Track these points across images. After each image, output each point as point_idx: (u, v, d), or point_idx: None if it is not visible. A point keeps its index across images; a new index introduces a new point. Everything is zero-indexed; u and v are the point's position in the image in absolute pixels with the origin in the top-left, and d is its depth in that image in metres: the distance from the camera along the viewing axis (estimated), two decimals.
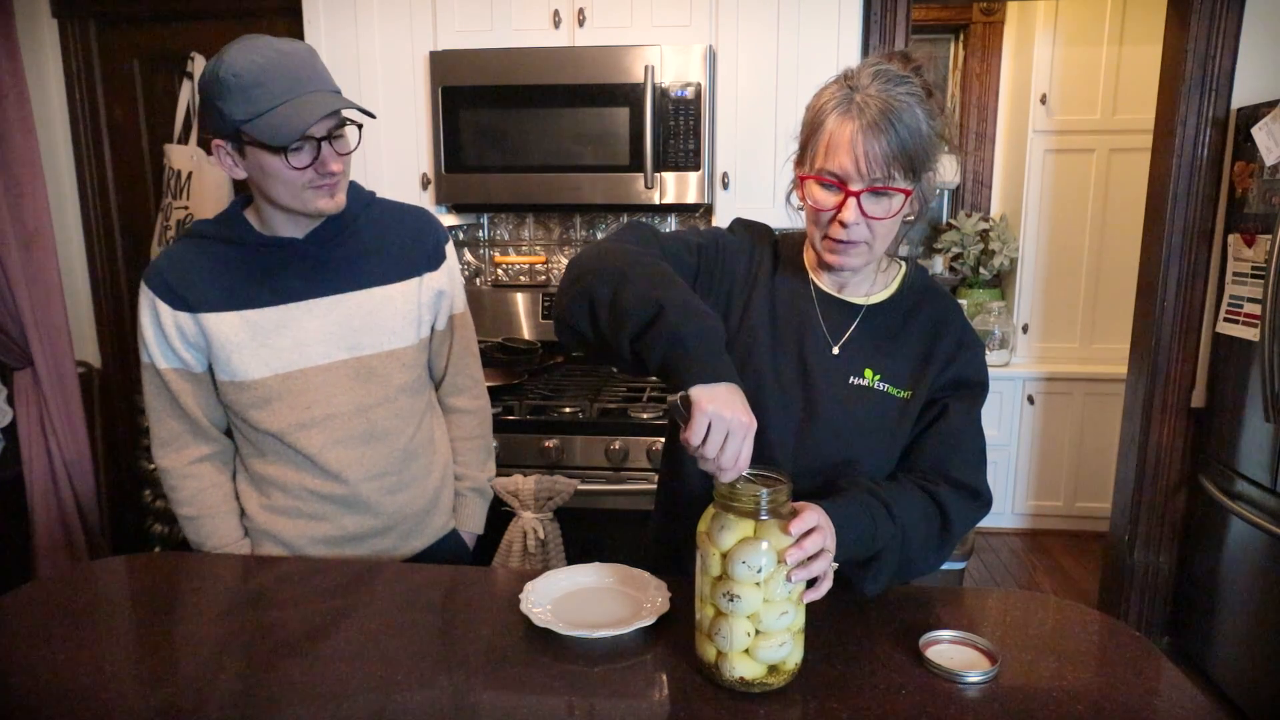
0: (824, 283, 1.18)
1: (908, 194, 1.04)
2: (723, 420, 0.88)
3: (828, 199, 1.05)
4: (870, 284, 1.18)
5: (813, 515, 0.94)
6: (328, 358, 1.35)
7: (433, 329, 1.49)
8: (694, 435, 0.88)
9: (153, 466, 2.97)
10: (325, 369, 1.35)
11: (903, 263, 1.22)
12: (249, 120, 1.19)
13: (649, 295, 0.95)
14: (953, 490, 1.10)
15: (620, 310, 0.96)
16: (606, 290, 0.99)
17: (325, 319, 1.34)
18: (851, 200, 1.03)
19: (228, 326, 1.30)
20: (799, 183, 1.10)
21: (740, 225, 1.25)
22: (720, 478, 0.92)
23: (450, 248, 1.49)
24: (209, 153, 2.73)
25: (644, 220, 1.17)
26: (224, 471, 1.42)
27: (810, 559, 0.91)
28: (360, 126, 1.30)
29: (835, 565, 0.96)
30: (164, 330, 1.31)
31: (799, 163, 1.10)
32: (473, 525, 1.61)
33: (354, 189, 1.39)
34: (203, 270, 1.31)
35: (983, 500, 1.13)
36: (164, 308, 1.30)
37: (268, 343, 1.32)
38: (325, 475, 1.37)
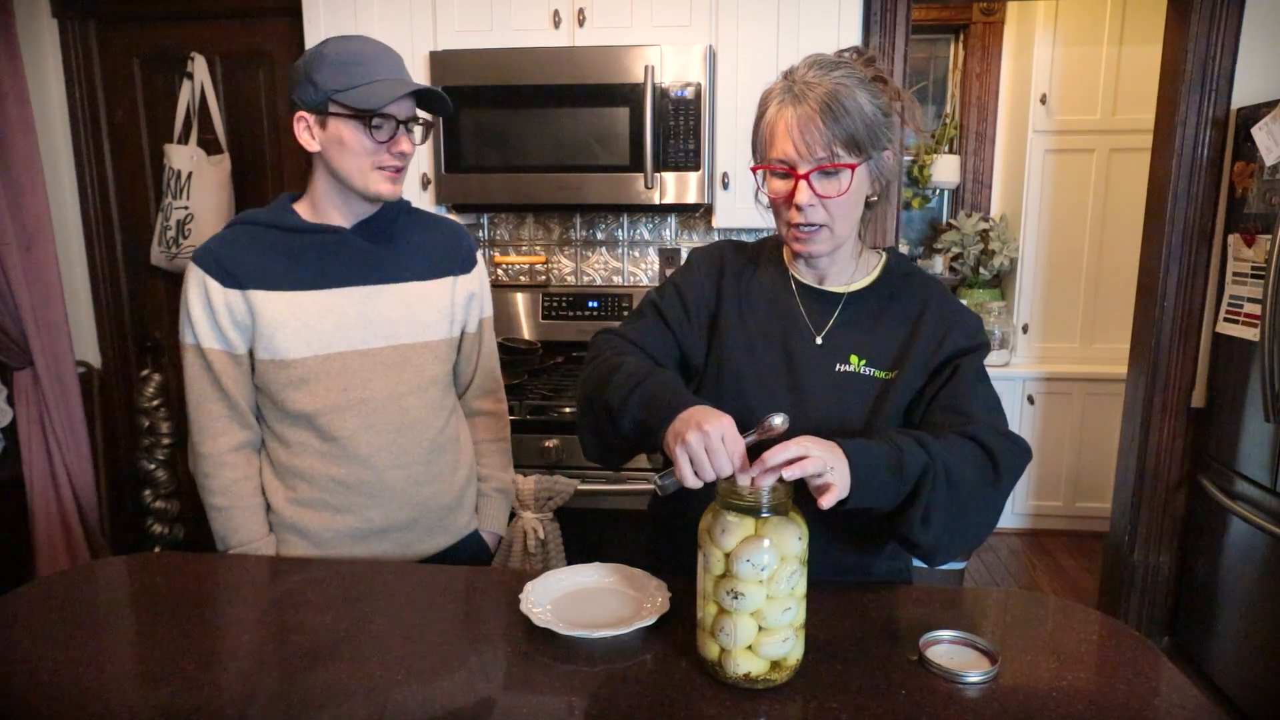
0: (804, 275, 1.21)
1: (853, 168, 1.06)
2: (687, 447, 0.92)
3: (782, 186, 1.09)
4: (850, 273, 1.20)
5: (791, 443, 0.93)
6: (366, 344, 1.39)
7: (464, 331, 1.54)
8: (686, 478, 0.93)
9: (153, 466, 2.98)
10: (363, 354, 1.38)
11: (883, 252, 1.23)
12: (343, 90, 1.27)
13: (623, 388, 1.07)
14: (986, 430, 1.05)
15: (610, 410, 1.08)
16: (593, 413, 1.12)
17: (365, 307, 1.39)
18: (802, 183, 1.07)
19: (274, 305, 1.34)
20: (760, 179, 1.13)
21: (695, 253, 1.29)
22: (737, 482, 0.93)
23: (480, 256, 1.56)
24: (209, 153, 2.76)
25: (607, 331, 1.25)
26: (255, 463, 1.44)
27: (791, 464, 0.90)
28: (428, 127, 1.37)
29: (832, 468, 0.93)
30: (213, 307, 1.33)
31: (755, 159, 1.14)
32: (495, 525, 1.62)
33: None
34: (252, 252, 1.35)
35: (1020, 443, 1.07)
36: (214, 285, 1.33)
37: (310, 324, 1.35)
38: (352, 461, 1.38)
